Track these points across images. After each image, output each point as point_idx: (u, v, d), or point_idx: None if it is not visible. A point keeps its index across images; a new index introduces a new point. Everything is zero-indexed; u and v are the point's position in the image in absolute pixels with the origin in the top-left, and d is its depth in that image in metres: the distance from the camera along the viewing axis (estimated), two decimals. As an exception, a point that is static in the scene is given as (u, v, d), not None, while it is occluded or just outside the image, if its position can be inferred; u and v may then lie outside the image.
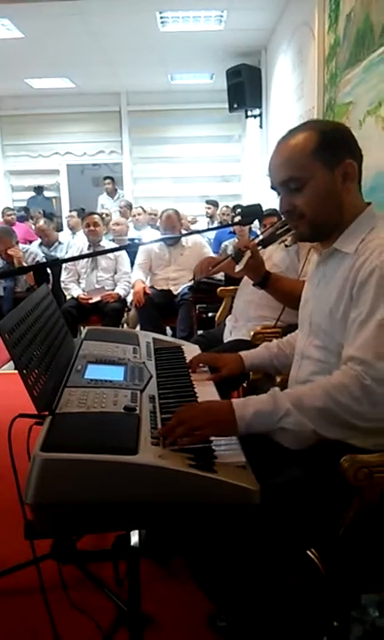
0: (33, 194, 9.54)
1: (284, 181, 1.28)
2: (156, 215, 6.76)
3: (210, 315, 4.27)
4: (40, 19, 5.48)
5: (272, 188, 1.34)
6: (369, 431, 1.13)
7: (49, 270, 4.41)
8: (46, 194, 9.78)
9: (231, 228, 5.28)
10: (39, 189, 9.50)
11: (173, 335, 4.10)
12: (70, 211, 8.18)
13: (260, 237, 2.21)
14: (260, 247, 2.05)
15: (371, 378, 1.10)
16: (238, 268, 2.01)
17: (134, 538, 1.36)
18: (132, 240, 6.13)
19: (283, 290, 2.06)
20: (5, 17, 5.44)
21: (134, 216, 6.68)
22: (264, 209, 2.27)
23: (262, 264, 2.07)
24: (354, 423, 1.12)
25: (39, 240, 5.89)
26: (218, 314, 3.07)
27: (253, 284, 2.11)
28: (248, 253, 1.98)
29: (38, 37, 6.02)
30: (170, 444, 1.08)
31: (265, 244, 2.05)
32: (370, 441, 1.15)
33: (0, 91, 8.46)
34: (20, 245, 4.92)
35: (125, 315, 4.65)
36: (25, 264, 4.33)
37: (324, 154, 1.24)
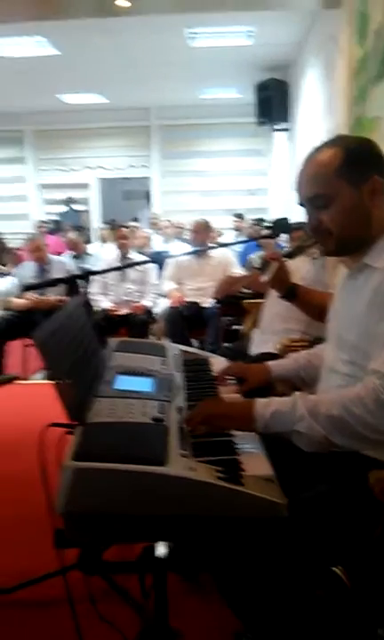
0: (65, 208, 9.70)
1: (311, 198, 1.29)
2: (182, 228, 6.81)
3: (235, 327, 4.27)
4: (74, 36, 5.61)
5: (300, 204, 1.35)
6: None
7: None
8: (77, 207, 9.94)
9: (257, 242, 5.29)
10: (69, 202, 9.65)
11: (200, 347, 4.10)
12: (103, 222, 8.30)
13: (287, 249, 2.21)
14: (286, 259, 2.05)
15: None
16: (264, 279, 2.02)
17: (161, 550, 1.36)
18: (160, 253, 6.19)
19: (310, 302, 2.06)
20: (41, 34, 5.58)
21: (162, 229, 6.73)
22: (292, 222, 2.27)
23: (289, 276, 2.07)
24: (365, 435, 1.12)
25: (69, 252, 5.98)
26: (244, 327, 3.07)
27: (280, 297, 2.11)
28: (275, 264, 1.98)
29: (72, 54, 6.16)
30: (189, 432, 1.17)
31: (292, 255, 2.06)
32: None
33: (34, 106, 8.66)
34: (51, 257, 5.00)
35: (153, 327, 4.68)
36: (57, 276, 4.40)
37: (349, 171, 1.24)
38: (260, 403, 1.20)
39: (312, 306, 2.04)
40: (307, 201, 1.31)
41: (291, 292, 2.06)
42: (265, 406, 1.18)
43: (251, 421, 1.18)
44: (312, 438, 1.15)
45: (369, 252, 1.28)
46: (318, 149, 1.30)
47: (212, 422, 1.21)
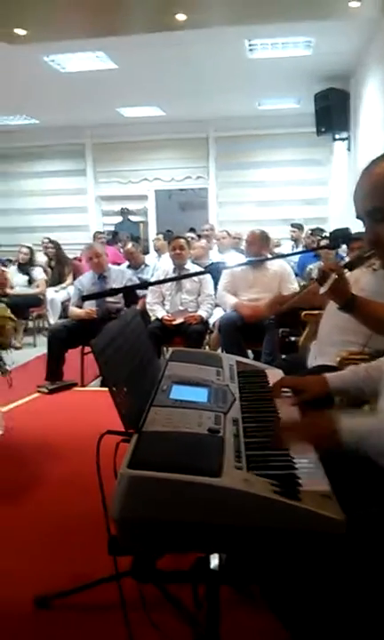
0: (120, 218, 9.89)
1: (369, 211, 1.27)
2: (240, 239, 6.81)
3: (292, 339, 4.22)
4: (132, 50, 5.73)
5: (357, 217, 1.33)
6: None
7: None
8: (134, 218, 10.11)
9: (315, 252, 5.24)
10: (124, 212, 9.82)
11: (256, 359, 4.08)
12: (157, 234, 8.40)
13: (347, 260, 2.17)
14: (346, 270, 2.01)
15: None
16: (323, 290, 1.98)
17: (214, 561, 1.35)
18: (216, 264, 6.21)
19: (370, 314, 2.01)
20: (100, 49, 5.73)
21: (218, 239, 6.75)
22: (351, 232, 2.24)
23: (348, 287, 2.03)
24: None
25: (127, 262, 6.08)
26: (301, 338, 3.03)
27: (339, 308, 2.07)
28: (333, 276, 1.94)
29: (130, 68, 6.30)
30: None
31: (352, 266, 2.01)
32: None
33: (93, 120, 8.89)
34: (111, 267, 5.10)
35: (207, 337, 4.69)
36: (116, 286, 4.48)
37: None
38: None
39: (372, 318, 1.99)
40: (365, 214, 1.29)
41: (350, 304, 2.02)
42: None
43: (333, 440, 1.16)
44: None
45: None
46: (376, 162, 1.28)
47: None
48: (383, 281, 2.23)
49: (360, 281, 2.29)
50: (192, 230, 8.83)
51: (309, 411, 1.73)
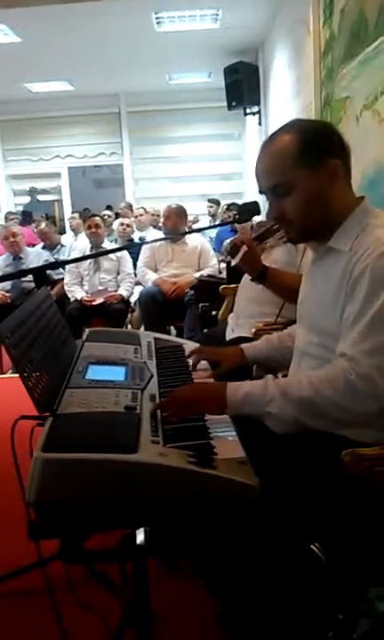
0: (29, 199, 9.57)
1: (270, 188, 1.29)
2: (158, 216, 6.77)
3: (213, 313, 4.28)
4: (36, 23, 5.49)
5: (260, 192, 1.35)
6: (363, 424, 1.14)
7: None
8: (49, 197, 9.81)
9: (231, 227, 5.28)
10: (34, 192, 9.52)
11: (179, 335, 4.10)
12: (72, 212, 8.20)
13: (257, 233, 2.22)
14: (256, 242, 2.06)
15: (356, 374, 1.12)
16: (234, 261, 2.04)
17: (140, 537, 1.36)
18: (132, 240, 6.15)
19: (281, 284, 2.07)
20: (2, 22, 5.46)
21: (136, 217, 6.67)
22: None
23: (259, 259, 2.09)
24: (337, 416, 1.14)
25: (42, 244, 5.91)
26: (220, 312, 3.07)
27: (251, 279, 2.12)
28: (244, 248, 2.01)
29: (36, 42, 6.04)
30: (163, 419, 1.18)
31: (261, 239, 2.07)
32: (368, 435, 1.15)
33: (0, 96, 8.49)
34: (27, 249, 4.94)
35: (129, 315, 4.66)
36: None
37: (306, 158, 1.23)
38: (232, 386, 1.21)
39: (283, 288, 2.05)
40: (267, 190, 1.31)
41: (262, 275, 2.07)
42: (236, 389, 1.20)
43: (223, 405, 1.19)
44: (284, 420, 1.17)
45: (333, 236, 1.28)
46: (273, 137, 1.29)
47: (186, 408, 1.22)
48: (293, 252, 2.29)
49: (272, 253, 2.34)
50: (109, 208, 8.69)
51: (227, 379, 1.77)
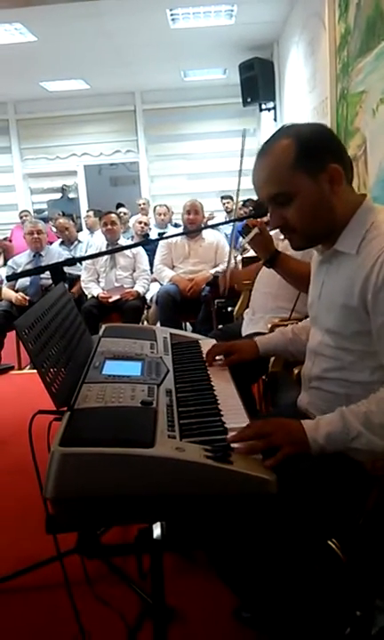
0: (52, 196, 9.60)
1: (271, 197, 1.25)
2: (173, 213, 6.78)
3: (228, 309, 4.27)
4: (52, 22, 5.51)
5: (259, 202, 1.33)
6: None
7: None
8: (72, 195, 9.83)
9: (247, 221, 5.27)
10: (65, 189, 9.55)
11: (194, 331, 4.11)
12: (88, 211, 8.24)
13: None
14: (268, 228, 2.08)
15: None
16: (244, 241, 2.07)
17: (157, 531, 1.37)
18: (148, 236, 6.15)
19: (294, 271, 2.09)
20: (18, 21, 5.49)
21: (159, 214, 6.67)
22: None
23: (271, 242, 2.11)
24: None
25: (59, 240, 5.94)
26: (236, 308, 3.07)
27: (263, 263, 2.15)
28: (255, 230, 2.04)
29: (51, 40, 6.06)
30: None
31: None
32: None
33: (16, 95, 8.55)
34: (48, 246, 4.96)
35: (145, 312, 4.67)
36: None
37: (305, 164, 1.20)
38: (310, 427, 1.14)
39: (296, 275, 2.07)
40: (267, 200, 1.27)
41: (273, 259, 2.11)
42: (316, 430, 1.13)
43: (305, 446, 1.13)
44: (375, 452, 1.13)
45: (339, 239, 1.26)
46: (269, 144, 1.25)
47: (267, 440, 1.11)
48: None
49: (290, 247, 2.33)
50: (121, 206, 8.69)
51: (244, 380, 1.77)
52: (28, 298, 4.46)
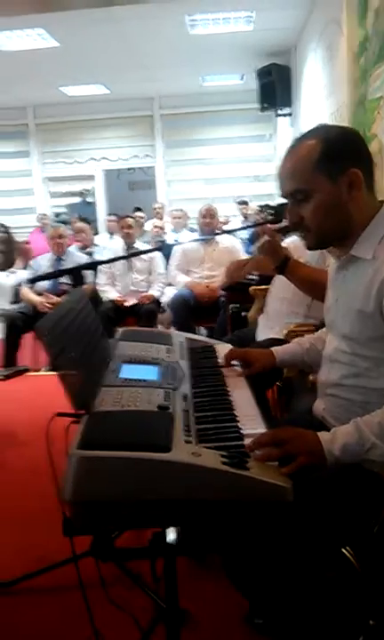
0: (70, 200, 9.65)
1: (291, 193, 1.29)
2: (189, 218, 6.80)
3: (243, 314, 4.27)
4: (74, 27, 5.57)
5: (282, 196, 1.35)
6: None
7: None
8: (90, 199, 9.88)
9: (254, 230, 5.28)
10: (85, 193, 9.61)
11: (209, 336, 4.11)
12: (109, 214, 8.28)
13: (281, 225, 2.24)
14: (280, 235, 2.09)
15: None
16: (253, 248, 2.08)
17: (171, 535, 1.37)
18: (164, 241, 6.18)
19: (305, 278, 2.09)
20: (40, 26, 5.55)
21: (176, 218, 6.69)
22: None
23: (280, 249, 2.11)
24: None
25: (76, 244, 5.97)
26: (250, 313, 3.07)
27: (274, 269, 2.16)
28: (265, 237, 2.05)
29: (72, 45, 6.12)
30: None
31: (284, 232, 2.09)
32: None
33: (36, 99, 8.63)
34: (69, 250, 4.98)
35: (159, 316, 4.69)
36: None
37: (327, 165, 1.22)
38: (326, 439, 1.14)
39: (308, 281, 2.07)
40: (288, 194, 1.30)
41: (283, 265, 2.11)
42: (332, 442, 1.14)
43: (321, 458, 1.13)
44: None
45: (356, 244, 1.27)
46: (299, 141, 1.29)
47: (282, 448, 1.11)
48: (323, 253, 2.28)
49: (298, 249, 2.33)
50: (138, 210, 8.73)
51: (259, 385, 1.77)
52: (49, 305, 4.43)
